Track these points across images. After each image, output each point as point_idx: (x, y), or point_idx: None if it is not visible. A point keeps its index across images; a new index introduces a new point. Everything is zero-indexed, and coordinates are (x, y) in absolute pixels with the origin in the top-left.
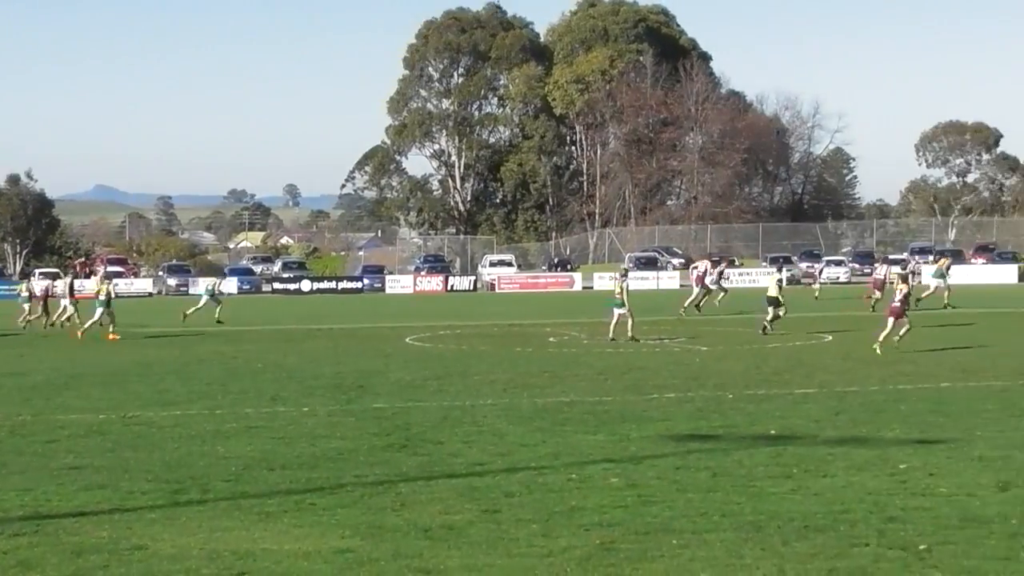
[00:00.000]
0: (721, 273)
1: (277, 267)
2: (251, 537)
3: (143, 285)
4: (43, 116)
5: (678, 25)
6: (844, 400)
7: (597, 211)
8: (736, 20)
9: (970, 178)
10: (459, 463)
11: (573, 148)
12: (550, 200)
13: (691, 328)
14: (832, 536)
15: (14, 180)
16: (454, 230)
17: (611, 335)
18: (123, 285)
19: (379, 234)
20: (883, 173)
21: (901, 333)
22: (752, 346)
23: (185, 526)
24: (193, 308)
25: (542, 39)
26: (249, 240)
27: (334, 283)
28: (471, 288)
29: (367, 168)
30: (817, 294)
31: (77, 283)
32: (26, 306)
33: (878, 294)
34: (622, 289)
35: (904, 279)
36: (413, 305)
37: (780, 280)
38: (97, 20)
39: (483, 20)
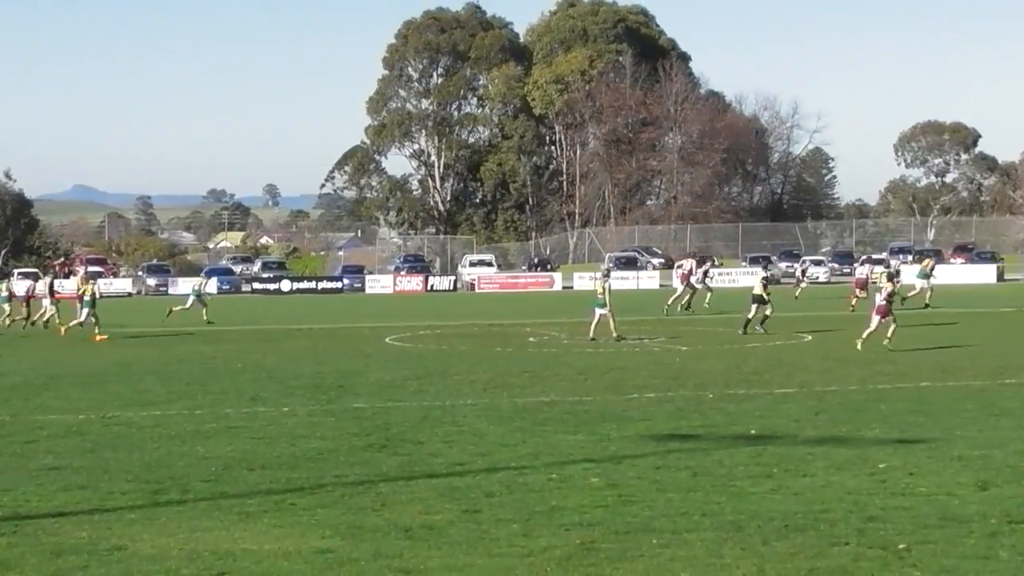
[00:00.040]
0: (706, 272)
1: (257, 267)
2: (231, 537)
3: (123, 285)
4: (21, 115)
5: (657, 25)
6: (824, 400)
7: (577, 211)
8: (715, 20)
9: (949, 178)
10: (439, 463)
11: (553, 148)
12: (530, 200)
13: (671, 328)
14: (812, 535)
15: None
16: (434, 230)
17: (591, 335)
18: (103, 285)
19: (359, 234)
20: (862, 173)
21: (889, 334)
22: (732, 346)
23: (165, 526)
24: (180, 307)
25: (521, 39)
26: (229, 240)
27: (314, 283)
28: (451, 288)
29: (347, 168)
30: (797, 294)
31: (56, 283)
32: (6, 306)
33: (863, 294)
34: (604, 289)
35: (890, 278)
36: (393, 305)
37: (766, 278)
38: (77, 19)
39: (462, 20)
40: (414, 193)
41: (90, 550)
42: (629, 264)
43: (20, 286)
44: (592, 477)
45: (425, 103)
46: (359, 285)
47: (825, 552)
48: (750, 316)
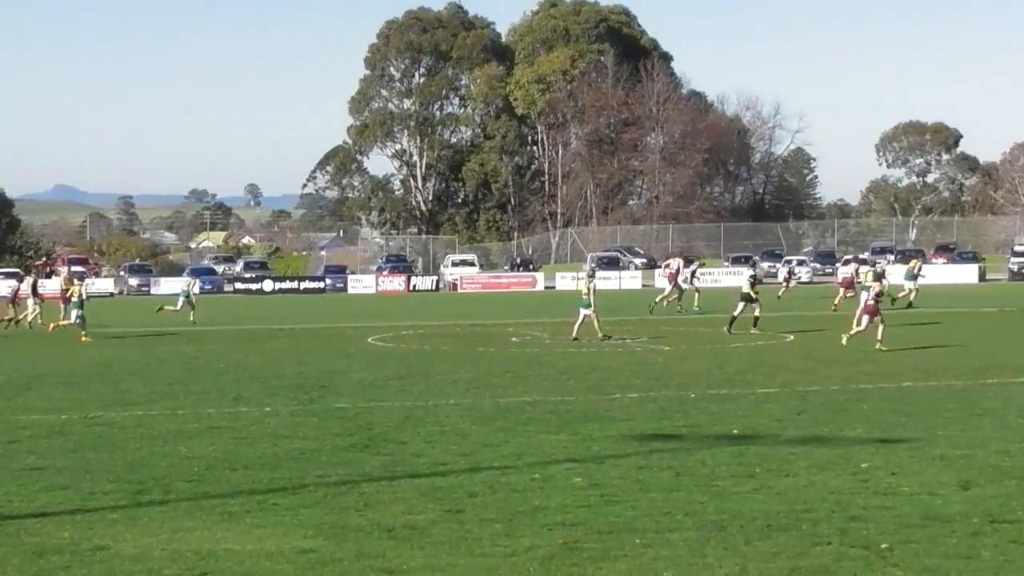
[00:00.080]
0: (694, 272)
1: (239, 267)
2: (213, 537)
3: (104, 285)
4: (1, 115)
5: (639, 25)
6: (806, 400)
7: (559, 211)
8: (697, 21)
9: (930, 178)
10: (422, 463)
11: (535, 148)
12: (512, 200)
13: (654, 328)
14: (794, 535)
15: None
16: (416, 230)
17: (574, 335)
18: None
19: (341, 234)
20: (844, 173)
21: (880, 336)
22: (715, 346)
23: (147, 526)
24: (171, 307)
25: (503, 39)
26: (211, 240)
27: (296, 283)
28: (433, 288)
29: (328, 168)
30: (780, 293)
31: (40, 283)
32: None
33: (851, 293)
34: (589, 290)
35: (878, 278)
36: (375, 305)
37: (753, 276)
38: (59, 19)
39: (444, 20)
40: (396, 193)
41: (72, 550)
42: (611, 264)
43: (2, 286)
44: (575, 477)
45: (407, 103)
46: (341, 285)
47: (807, 551)
48: (736, 314)
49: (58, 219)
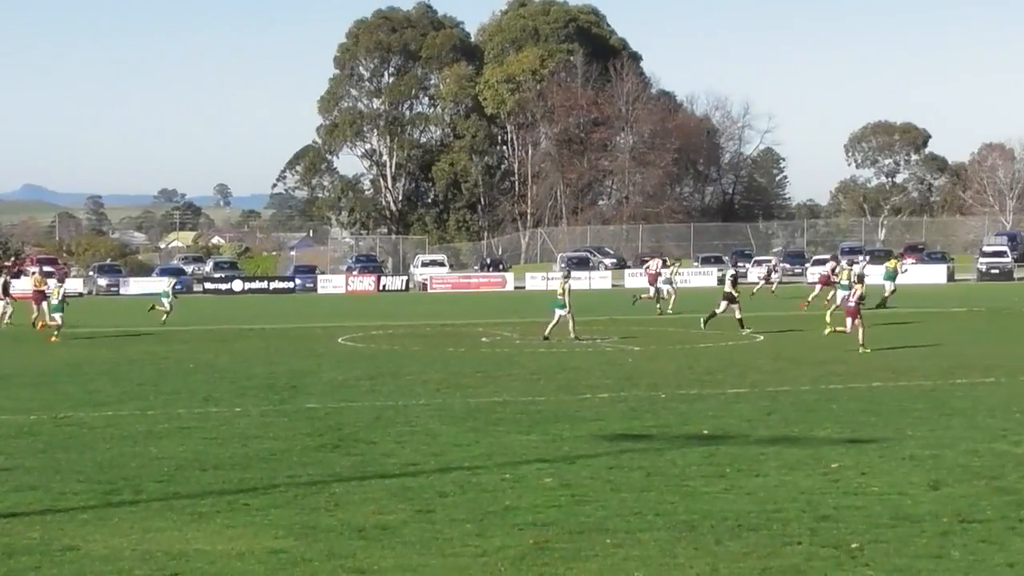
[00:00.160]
0: (672, 274)
1: (208, 267)
2: (184, 538)
3: (74, 285)
4: None
5: (608, 25)
6: (776, 400)
7: (529, 211)
8: (666, 20)
9: (899, 178)
10: (392, 463)
11: (504, 148)
12: (482, 200)
13: (624, 328)
14: (765, 535)
15: None
16: (386, 230)
17: (546, 333)
18: (52, 285)
19: (311, 234)
20: (813, 173)
21: (861, 339)
22: (685, 346)
23: (117, 527)
24: (161, 308)
25: (473, 39)
26: (180, 240)
27: (266, 283)
28: (403, 288)
29: (298, 168)
30: (774, 290)
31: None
32: None
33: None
34: (564, 290)
35: (860, 280)
36: (345, 305)
37: (734, 275)
38: (23, 18)
39: (413, 19)
40: (366, 193)
41: (42, 551)
42: (581, 264)
43: None
44: (545, 477)
45: (376, 103)
46: (311, 285)
47: (778, 551)
48: (718, 312)
49: (27, 219)
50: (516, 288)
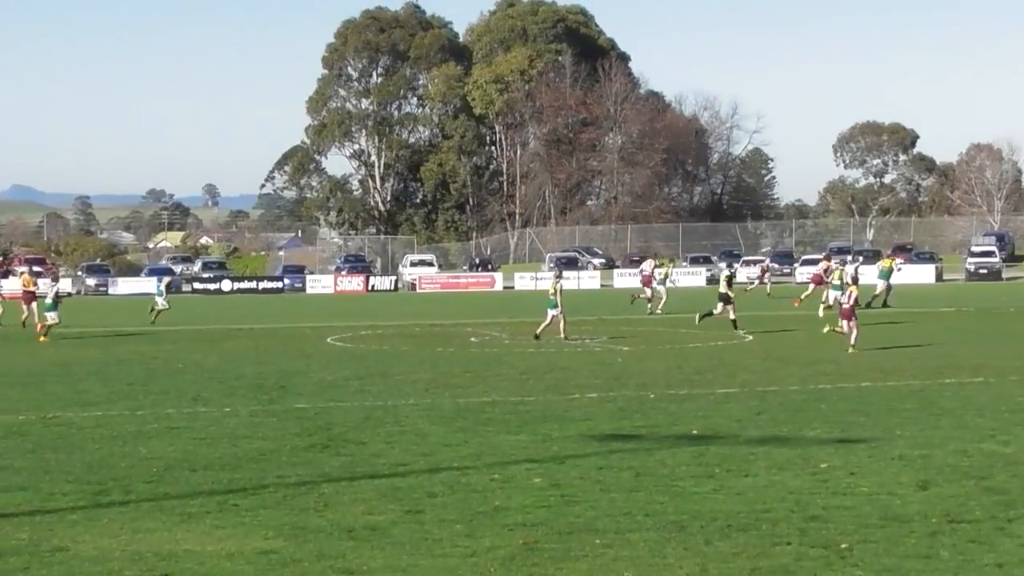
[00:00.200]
0: (666, 275)
1: (197, 267)
2: (173, 538)
3: (62, 285)
4: None
5: (597, 25)
6: (765, 400)
7: (517, 211)
8: (654, 21)
9: (887, 179)
10: (382, 463)
11: (493, 148)
12: (470, 200)
13: (613, 328)
14: (754, 535)
15: None
16: (374, 230)
17: (537, 332)
18: (43, 286)
19: (299, 234)
20: (801, 174)
21: (852, 341)
22: (674, 346)
23: (107, 527)
24: (161, 310)
25: (461, 39)
26: (168, 240)
27: (255, 283)
28: (392, 288)
29: (286, 168)
30: (747, 289)
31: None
32: None
33: (824, 290)
34: (556, 290)
35: (855, 281)
36: (334, 305)
37: (730, 277)
38: (9, 18)
39: (402, 20)
40: (354, 193)
41: (31, 551)
42: (570, 264)
43: None
44: (535, 477)
45: (365, 103)
46: (300, 285)
47: (767, 552)
48: (716, 312)
49: (15, 219)
50: (505, 288)
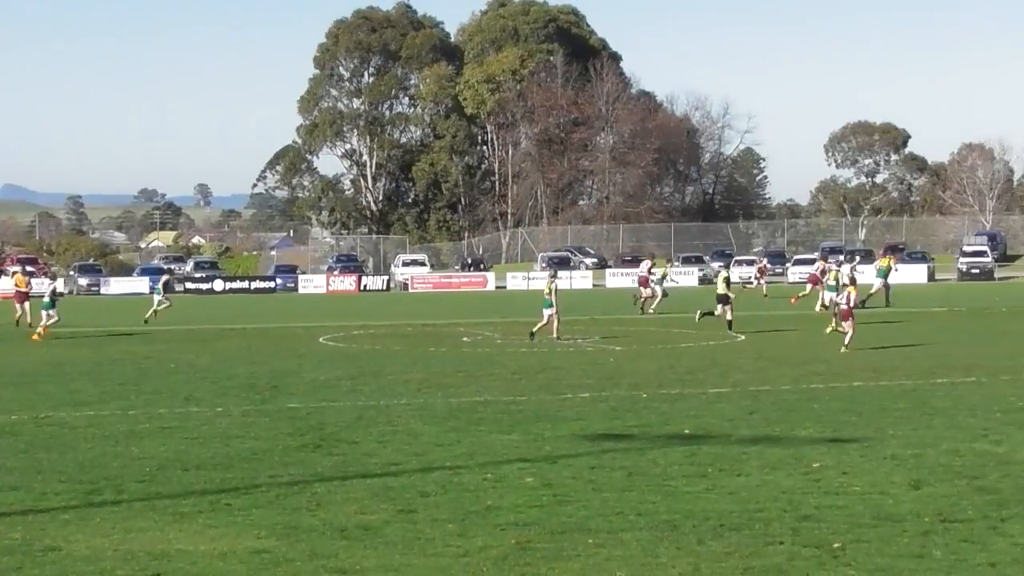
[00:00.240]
0: (664, 275)
1: (189, 267)
2: (166, 538)
3: (58, 284)
4: None
5: (588, 25)
6: (758, 399)
7: (509, 211)
8: (646, 21)
9: (879, 178)
10: (374, 463)
11: (484, 148)
12: (462, 200)
13: (605, 328)
14: (747, 534)
15: None
16: (366, 230)
17: (533, 331)
18: (35, 285)
19: (291, 234)
20: (793, 173)
21: (847, 341)
22: (666, 346)
23: (99, 527)
24: (162, 307)
25: (453, 39)
26: (160, 240)
27: (247, 283)
28: (384, 288)
29: (278, 168)
30: (744, 287)
31: None
32: None
33: (820, 288)
34: (551, 290)
35: (853, 281)
36: (326, 305)
37: (727, 278)
38: (2, 15)
39: (393, 19)
40: (346, 193)
41: (24, 551)
42: (562, 264)
43: None
44: (527, 477)
45: (356, 102)
46: (292, 285)
47: (760, 551)
48: (716, 313)
49: (7, 219)
50: (497, 288)
